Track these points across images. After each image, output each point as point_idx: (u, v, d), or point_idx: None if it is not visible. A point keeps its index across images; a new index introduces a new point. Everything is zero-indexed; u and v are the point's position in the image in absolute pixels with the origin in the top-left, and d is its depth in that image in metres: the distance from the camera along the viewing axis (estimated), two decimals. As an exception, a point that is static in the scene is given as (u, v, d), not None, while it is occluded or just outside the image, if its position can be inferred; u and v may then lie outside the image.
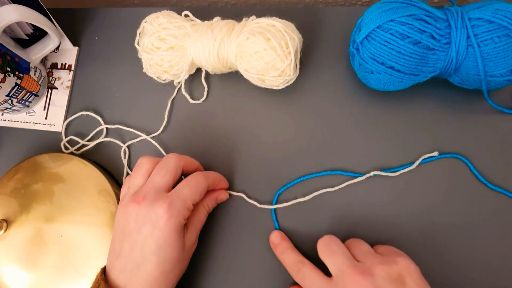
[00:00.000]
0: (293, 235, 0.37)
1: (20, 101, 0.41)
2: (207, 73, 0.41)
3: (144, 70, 0.40)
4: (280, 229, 0.37)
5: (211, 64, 0.37)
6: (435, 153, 0.37)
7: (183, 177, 0.35)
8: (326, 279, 0.30)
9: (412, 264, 0.29)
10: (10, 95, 0.39)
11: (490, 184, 0.36)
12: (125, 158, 0.41)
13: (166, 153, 0.40)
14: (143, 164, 0.33)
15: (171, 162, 0.33)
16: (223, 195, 0.37)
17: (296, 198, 0.37)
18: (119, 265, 0.31)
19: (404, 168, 0.37)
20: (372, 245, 0.33)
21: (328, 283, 0.29)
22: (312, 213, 0.37)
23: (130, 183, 0.33)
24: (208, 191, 0.36)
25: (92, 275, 0.35)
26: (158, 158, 0.34)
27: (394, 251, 0.31)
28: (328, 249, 0.31)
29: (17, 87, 0.39)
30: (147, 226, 0.30)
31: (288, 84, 0.38)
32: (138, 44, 0.40)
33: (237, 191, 0.38)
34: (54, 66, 0.45)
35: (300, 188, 0.38)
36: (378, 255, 0.30)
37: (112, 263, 0.31)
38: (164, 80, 0.40)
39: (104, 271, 0.31)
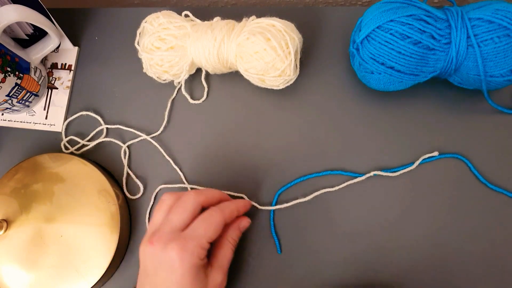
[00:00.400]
0: (293, 235, 0.37)
1: (20, 101, 0.41)
2: (207, 73, 0.41)
3: (144, 70, 0.40)
4: (277, 229, 0.37)
5: (211, 64, 0.37)
6: (435, 153, 0.37)
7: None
8: None
9: None
10: (10, 95, 0.39)
11: (490, 184, 0.36)
12: (125, 158, 0.41)
13: (166, 153, 0.40)
14: (164, 201, 0.33)
15: (189, 200, 0.32)
16: (244, 222, 0.35)
17: (296, 198, 0.37)
18: None
19: (404, 168, 0.37)
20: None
21: None
22: (312, 213, 0.37)
23: (152, 220, 0.33)
24: (229, 224, 0.34)
25: (92, 275, 0.35)
26: (180, 194, 0.33)
27: None
28: None
29: (17, 87, 0.39)
30: (163, 271, 0.29)
31: (288, 84, 0.38)
32: (138, 44, 0.40)
33: (237, 192, 0.38)
34: (54, 66, 0.44)
35: (300, 188, 0.38)
36: None
37: None
38: (164, 80, 0.40)
39: None
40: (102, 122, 0.42)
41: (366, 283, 0.35)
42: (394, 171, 0.37)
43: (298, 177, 0.38)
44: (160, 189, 0.40)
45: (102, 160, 0.41)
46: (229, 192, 0.38)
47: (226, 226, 0.34)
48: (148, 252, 0.30)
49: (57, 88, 0.44)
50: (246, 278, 0.37)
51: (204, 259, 0.31)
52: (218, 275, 0.31)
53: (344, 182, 0.37)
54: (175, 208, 0.32)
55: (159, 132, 0.41)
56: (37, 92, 0.42)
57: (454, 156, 0.37)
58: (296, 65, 0.36)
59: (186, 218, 0.31)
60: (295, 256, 0.37)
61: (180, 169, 0.40)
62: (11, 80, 0.38)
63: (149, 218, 0.39)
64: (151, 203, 0.39)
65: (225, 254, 0.33)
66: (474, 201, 0.36)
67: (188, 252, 0.29)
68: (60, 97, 0.43)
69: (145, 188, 0.40)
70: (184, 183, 0.39)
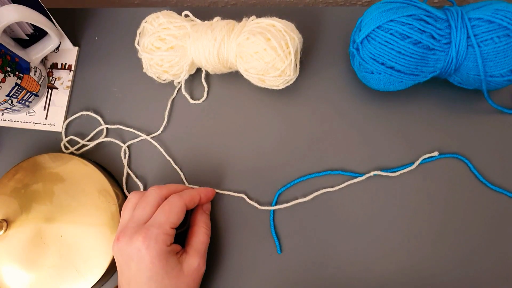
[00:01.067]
0: (294, 235, 0.37)
1: (20, 101, 0.41)
2: (207, 73, 0.41)
3: (144, 70, 0.40)
4: (277, 229, 0.37)
5: (211, 64, 0.37)
6: (435, 153, 0.37)
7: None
8: None
9: None
10: (10, 95, 0.39)
11: (490, 184, 0.36)
12: (125, 158, 0.41)
13: (166, 153, 0.40)
14: (130, 199, 0.34)
15: (151, 195, 0.33)
16: (207, 205, 0.37)
17: (296, 198, 0.37)
18: None
19: (404, 168, 0.37)
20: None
21: None
22: (312, 213, 0.37)
23: (120, 220, 0.34)
24: (193, 212, 0.36)
25: (92, 275, 0.35)
26: (144, 191, 0.35)
27: None
28: None
29: (17, 87, 0.39)
30: (133, 262, 0.30)
31: (288, 84, 0.38)
32: (138, 44, 0.40)
33: (237, 192, 0.38)
34: (54, 66, 0.44)
35: (300, 188, 0.38)
36: None
37: None
38: (164, 80, 0.40)
39: None
40: (102, 122, 0.42)
41: (365, 282, 0.35)
42: (394, 171, 0.37)
43: (298, 177, 0.38)
44: None
45: (102, 160, 0.41)
46: (228, 192, 0.38)
47: (194, 215, 0.36)
48: (117, 249, 0.31)
49: (57, 88, 0.44)
50: (246, 278, 0.37)
51: (171, 245, 0.32)
52: (193, 260, 0.32)
53: (344, 182, 0.37)
54: (139, 204, 0.33)
55: (159, 132, 0.41)
56: (37, 92, 0.42)
57: (454, 156, 0.37)
58: (296, 65, 0.36)
59: (149, 212, 0.32)
60: (295, 256, 0.37)
61: (180, 169, 0.40)
62: (11, 80, 0.38)
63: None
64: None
65: (199, 239, 0.34)
66: (474, 201, 0.36)
67: (152, 239, 0.30)
68: (60, 97, 0.43)
69: (145, 188, 0.40)
70: (184, 183, 0.39)
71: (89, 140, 0.42)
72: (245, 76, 0.38)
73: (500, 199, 0.36)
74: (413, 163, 0.37)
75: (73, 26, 0.46)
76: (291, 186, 0.38)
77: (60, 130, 0.42)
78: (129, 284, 0.31)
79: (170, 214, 0.32)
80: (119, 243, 0.31)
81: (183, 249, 0.33)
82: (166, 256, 0.31)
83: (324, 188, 0.37)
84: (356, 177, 0.37)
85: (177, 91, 0.42)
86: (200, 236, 0.34)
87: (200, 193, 0.35)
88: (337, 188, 0.37)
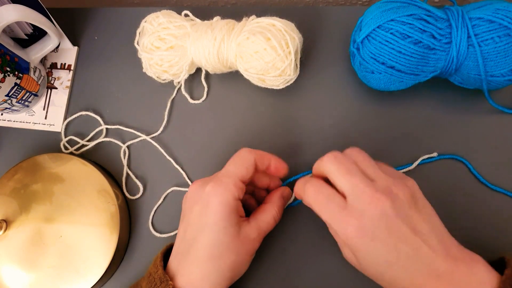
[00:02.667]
0: (294, 235, 0.37)
1: (20, 101, 0.41)
2: (207, 73, 0.41)
3: (144, 70, 0.40)
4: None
5: (211, 64, 0.37)
6: (434, 154, 0.37)
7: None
8: (342, 199, 0.28)
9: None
10: (9, 95, 0.39)
11: (490, 184, 0.36)
12: (124, 158, 0.41)
13: (166, 153, 0.40)
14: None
15: (240, 156, 0.33)
16: (287, 191, 0.35)
17: (296, 198, 0.37)
18: (176, 248, 0.31)
19: (403, 169, 0.37)
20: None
21: (344, 203, 0.28)
22: (311, 214, 0.37)
23: None
24: (271, 192, 0.35)
25: (92, 275, 0.35)
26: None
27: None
28: (343, 167, 0.29)
29: (16, 87, 0.39)
30: (198, 205, 0.31)
31: (289, 84, 0.37)
32: (138, 44, 0.40)
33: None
34: (53, 66, 0.44)
35: (300, 188, 0.38)
36: (388, 176, 0.29)
37: (174, 249, 0.32)
38: (164, 80, 0.40)
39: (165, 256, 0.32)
40: (101, 122, 0.42)
41: (367, 282, 0.35)
42: (394, 171, 0.37)
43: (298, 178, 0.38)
44: (171, 190, 0.39)
45: (101, 160, 0.41)
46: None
47: (272, 194, 0.35)
48: (188, 194, 0.32)
49: (56, 88, 0.44)
50: (245, 278, 0.37)
51: (238, 202, 0.31)
52: (252, 231, 0.31)
53: (344, 182, 0.37)
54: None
55: (158, 132, 0.41)
56: (36, 92, 0.42)
57: (453, 157, 0.37)
58: (296, 64, 0.36)
59: (235, 170, 0.32)
60: (295, 256, 0.37)
61: (180, 169, 0.40)
62: (11, 80, 0.38)
63: (153, 217, 0.39)
64: (160, 202, 0.39)
65: (265, 218, 0.33)
66: (474, 201, 0.36)
67: (221, 187, 0.30)
68: (60, 97, 0.43)
69: (144, 188, 0.40)
70: (189, 183, 0.39)
71: (88, 140, 0.42)
72: (245, 76, 0.38)
73: (500, 199, 0.36)
74: (412, 163, 0.37)
75: (73, 25, 0.45)
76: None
77: (60, 130, 0.42)
78: (185, 231, 0.31)
79: (240, 166, 0.32)
80: (193, 186, 0.32)
81: (247, 218, 0.32)
82: (230, 209, 0.30)
83: (324, 188, 0.37)
84: (356, 177, 0.37)
85: (177, 91, 0.42)
86: (268, 215, 0.33)
87: (272, 158, 0.34)
88: (337, 188, 0.37)
